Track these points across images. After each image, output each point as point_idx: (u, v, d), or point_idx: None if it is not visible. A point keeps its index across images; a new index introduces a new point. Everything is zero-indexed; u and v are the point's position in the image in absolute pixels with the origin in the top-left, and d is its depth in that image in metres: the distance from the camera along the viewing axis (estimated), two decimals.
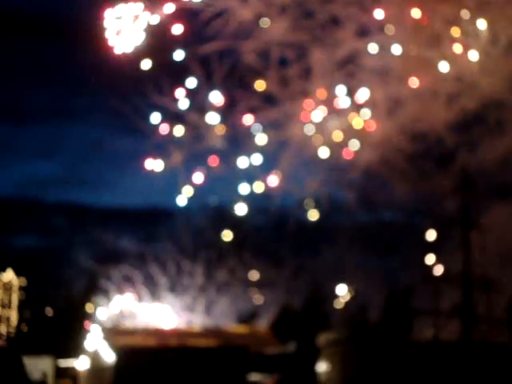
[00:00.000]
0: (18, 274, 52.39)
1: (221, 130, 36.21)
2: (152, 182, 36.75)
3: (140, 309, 40.20)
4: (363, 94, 36.35)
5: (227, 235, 37.90)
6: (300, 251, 40.25)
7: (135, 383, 33.46)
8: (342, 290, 40.35)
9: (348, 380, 33.97)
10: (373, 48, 36.12)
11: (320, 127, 36.89)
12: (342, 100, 36.56)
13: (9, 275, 52.47)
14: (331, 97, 36.90)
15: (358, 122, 36.65)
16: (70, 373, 42.56)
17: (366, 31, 36.48)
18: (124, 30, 34.58)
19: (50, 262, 47.90)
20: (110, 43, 34.50)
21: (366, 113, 36.53)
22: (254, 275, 40.83)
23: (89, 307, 42.49)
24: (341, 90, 36.57)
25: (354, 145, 36.92)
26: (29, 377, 39.61)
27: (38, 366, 43.60)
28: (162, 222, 40.93)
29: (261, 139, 36.63)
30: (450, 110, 36.61)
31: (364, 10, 36.22)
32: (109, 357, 35.35)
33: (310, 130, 36.85)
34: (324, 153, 36.98)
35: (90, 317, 41.52)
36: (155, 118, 35.90)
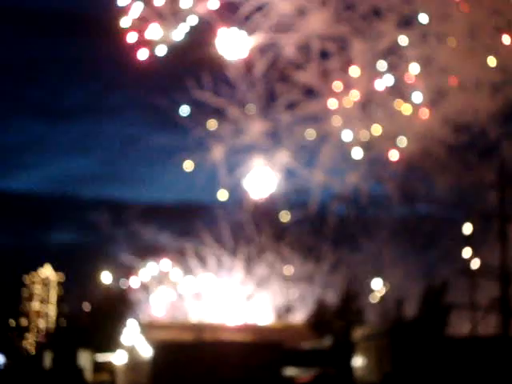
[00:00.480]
0: (56, 269, 52.93)
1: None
2: (190, 178, 36.87)
3: (180, 303, 40.53)
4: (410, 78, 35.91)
5: (285, 216, 37.68)
6: (338, 245, 40.03)
7: (172, 377, 33.60)
8: (378, 285, 40.17)
9: (384, 374, 33.77)
10: (414, 39, 35.71)
11: (361, 119, 36.56)
12: (383, 83, 36.01)
13: (47, 271, 53.04)
14: (373, 88, 36.51)
15: (406, 108, 36.15)
16: (108, 367, 42.90)
17: (407, 22, 36.07)
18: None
19: (88, 257, 48.38)
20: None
21: (418, 96, 35.95)
22: (290, 270, 40.78)
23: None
24: (385, 79, 36.06)
25: (402, 142, 36.45)
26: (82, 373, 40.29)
27: (78, 360, 44.11)
28: (201, 217, 41.02)
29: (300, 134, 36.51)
30: (493, 101, 36.04)
31: (405, 1, 35.84)
32: (146, 351, 35.57)
33: (350, 122, 36.56)
34: (358, 152, 36.78)
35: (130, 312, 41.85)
36: (194, 112, 35.94)
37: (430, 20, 35.85)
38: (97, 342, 45.05)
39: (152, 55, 35.05)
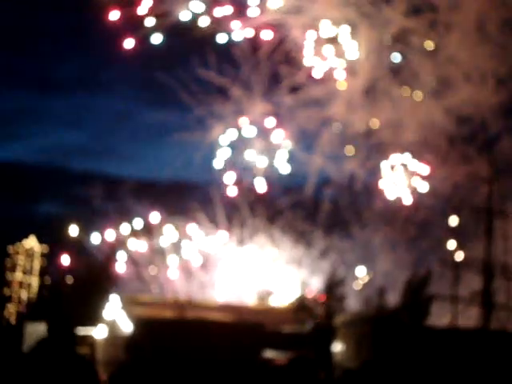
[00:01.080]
0: (41, 241, 52.76)
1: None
2: (185, 156, 36.67)
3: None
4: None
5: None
6: (330, 232, 39.94)
7: (150, 353, 33.62)
8: (362, 272, 40.24)
9: (363, 362, 33.90)
10: (422, 27, 35.57)
11: (364, 105, 36.45)
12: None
13: (31, 242, 52.88)
14: (376, 74, 36.37)
15: (405, 90, 36.01)
16: (88, 341, 42.83)
17: (416, 10, 35.89)
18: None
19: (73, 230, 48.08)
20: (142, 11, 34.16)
21: (418, 95, 35.92)
22: (280, 254, 40.79)
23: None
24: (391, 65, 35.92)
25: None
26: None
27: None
28: (195, 197, 40.81)
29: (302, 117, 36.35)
30: (498, 94, 36.00)
31: None
32: (126, 327, 35.59)
33: (352, 109, 36.46)
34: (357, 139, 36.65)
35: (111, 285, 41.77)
36: (196, 91, 35.67)
37: (439, 9, 35.74)
38: (78, 315, 44.96)
39: (141, 41, 34.76)
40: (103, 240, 41.38)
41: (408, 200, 38.55)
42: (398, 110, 36.84)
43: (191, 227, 39.84)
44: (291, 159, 37.35)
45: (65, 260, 41.13)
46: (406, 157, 38.48)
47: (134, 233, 40.66)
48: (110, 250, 43.83)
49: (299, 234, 40.06)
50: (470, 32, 35.73)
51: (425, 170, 37.74)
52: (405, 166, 38.74)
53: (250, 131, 36.98)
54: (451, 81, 36.68)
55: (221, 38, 35.02)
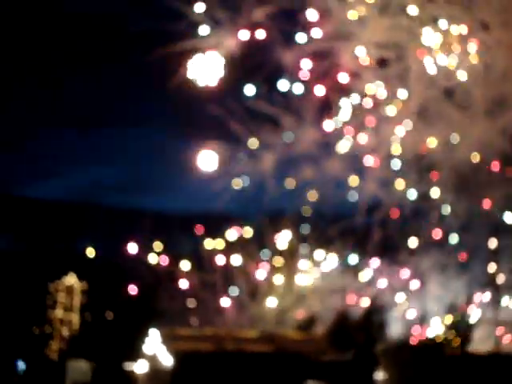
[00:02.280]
0: (80, 277, 53.17)
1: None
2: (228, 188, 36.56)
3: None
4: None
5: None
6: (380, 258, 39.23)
7: None
8: (401, 298, 39.82)
9: None
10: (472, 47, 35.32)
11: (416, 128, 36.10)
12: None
13: (71, 279, 53.31)
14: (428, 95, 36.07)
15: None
16: (130, 376, 42.95)
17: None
18: None
19: (112, 266, 48.44)
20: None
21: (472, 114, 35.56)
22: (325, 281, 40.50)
23: None
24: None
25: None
26: None
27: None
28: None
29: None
30: None
31: (466, 11, 35.50)
32: (167, 361, 35.63)
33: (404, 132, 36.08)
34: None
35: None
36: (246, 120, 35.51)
37: (490, 28, 35.51)
38: (119, 350, 45.16)
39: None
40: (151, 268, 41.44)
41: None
42: (452, 130, 36.45)
43: (236, 258, 39.79)
44: (340, 186, 37.07)
45: (132, 290, 41.21)
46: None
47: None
48: (155, 283, 44.02)
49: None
50: None
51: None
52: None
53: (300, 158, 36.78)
54: (506, 99, 36.30)
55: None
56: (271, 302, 39.62)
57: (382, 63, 36.08)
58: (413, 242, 37.77)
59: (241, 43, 35.32)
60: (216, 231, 39.98)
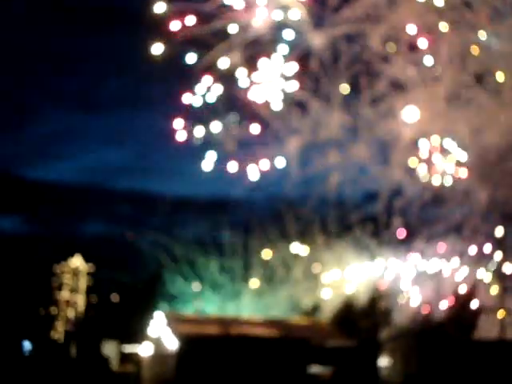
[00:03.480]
0: (86, 259, 53.34)
1: None
2: (221, 173, 36.36)
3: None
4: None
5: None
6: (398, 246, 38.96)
7: (197, 371, 33.69)
8: (407, 286, 39.77)
9: (409, 375, 33.55)
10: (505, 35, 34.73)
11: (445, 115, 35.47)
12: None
13: (77, 261, 53.48)
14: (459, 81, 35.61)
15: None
16: (134, 358, 43.13)
17: (499, 14, 35.06)
18: None
19: (118, 248, 48.62)
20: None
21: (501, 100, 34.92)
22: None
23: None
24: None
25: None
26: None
27: (104, 350, 44.43)
28: (230, 212, 40.80)
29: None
30: None
31: None
32: (171, 344, 35.69)
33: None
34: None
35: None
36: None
37: None
38: (124, 332, 45.31)
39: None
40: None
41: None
42: (481, 116, 35.84)
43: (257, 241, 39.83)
44: (365, 172, 36.64)
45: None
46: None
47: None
48: (156, 270, 44.12)
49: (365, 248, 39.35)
50: None
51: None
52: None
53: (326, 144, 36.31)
54: None
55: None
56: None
57: (412, 47, 35.56)
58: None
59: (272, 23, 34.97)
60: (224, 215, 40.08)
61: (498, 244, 37.83)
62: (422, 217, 37.29)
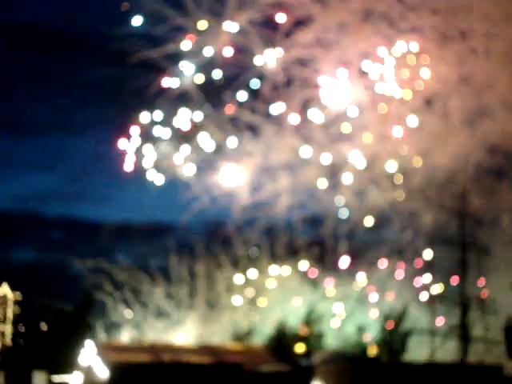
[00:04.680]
0: (13, 288, 52.22)
1: None
2: (156, 197, 36.22)
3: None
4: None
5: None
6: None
7: None
8: (339, 309, 40.10)
9: None
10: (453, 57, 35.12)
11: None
12: None
13: (4, 289, 52.31)
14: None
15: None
16: None
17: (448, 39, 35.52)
18: None
19: (47, 276, 47.74)
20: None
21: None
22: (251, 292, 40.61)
23: None
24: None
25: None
26: None
27: (33, 380, 43.41)
28: (164, 238, 40.52)
29: None
30: None
31: (449, 17, 35.25)
32: (102, 373, 35.10)
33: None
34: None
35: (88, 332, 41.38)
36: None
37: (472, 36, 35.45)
38: (53, 362, 44.42)
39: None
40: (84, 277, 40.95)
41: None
42: (431, 138, 36.37)
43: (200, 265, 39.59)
44: (314, 196, 36.75)
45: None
46: None
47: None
48: (87, 297, 43.49)
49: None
50: (505, 58, 35.38)
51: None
52: None
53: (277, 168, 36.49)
54: (485, 109, 36.29)
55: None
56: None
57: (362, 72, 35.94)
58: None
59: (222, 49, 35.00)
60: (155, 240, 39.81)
61: (428, 266, 38.53)
62: (365, 240, 37.82)
